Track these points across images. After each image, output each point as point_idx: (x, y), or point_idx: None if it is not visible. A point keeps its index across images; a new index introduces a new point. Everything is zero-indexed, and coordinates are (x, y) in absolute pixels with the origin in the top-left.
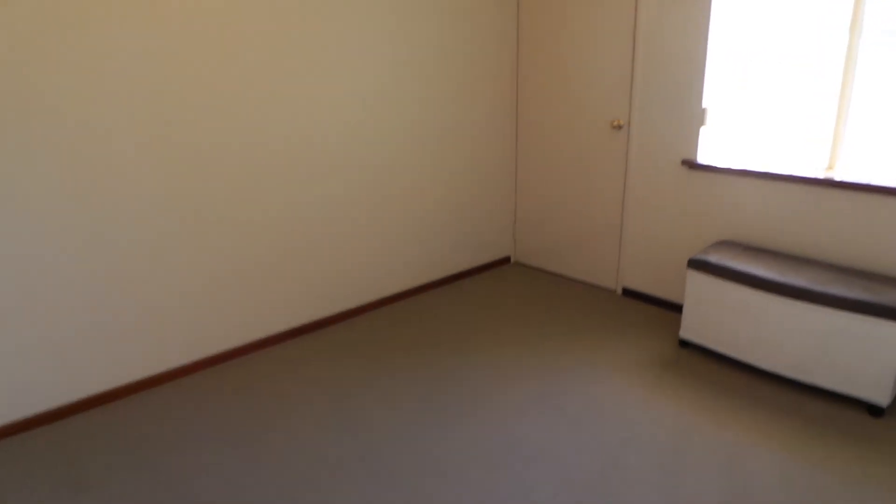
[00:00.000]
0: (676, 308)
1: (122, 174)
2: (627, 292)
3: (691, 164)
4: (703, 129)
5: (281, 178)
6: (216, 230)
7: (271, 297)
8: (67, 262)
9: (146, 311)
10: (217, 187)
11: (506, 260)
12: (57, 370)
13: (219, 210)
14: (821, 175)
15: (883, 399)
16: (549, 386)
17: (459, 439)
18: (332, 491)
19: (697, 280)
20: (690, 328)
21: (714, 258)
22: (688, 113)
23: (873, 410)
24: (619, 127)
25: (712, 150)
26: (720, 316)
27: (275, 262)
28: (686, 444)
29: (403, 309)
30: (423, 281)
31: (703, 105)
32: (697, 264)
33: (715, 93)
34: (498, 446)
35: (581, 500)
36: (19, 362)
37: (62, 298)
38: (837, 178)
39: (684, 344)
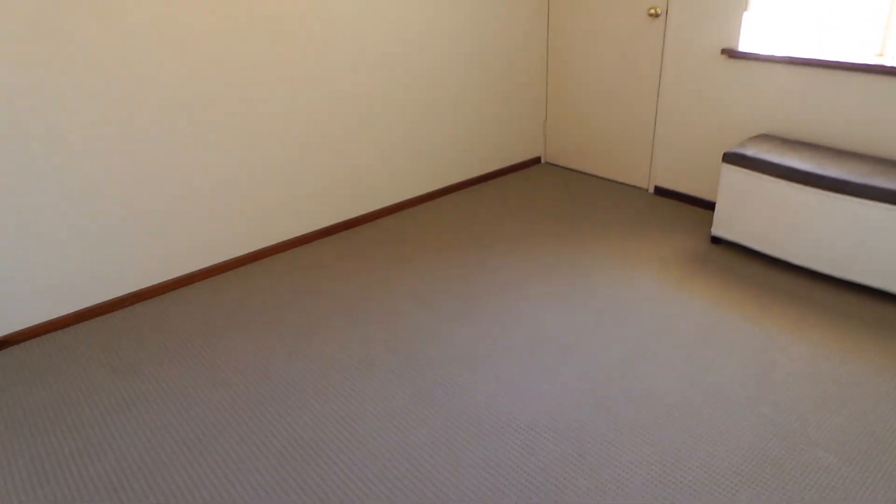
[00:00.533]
0: (710, 206)
1: (151, 70)
2: (660, 191)
3: (732, 53)
4: (745, 15)
5: (310, 71)
6: (244, 131)
7: (302, 198)
8: (99, 160)
9: (180, 208)
10: (242, 84)
11: (536, 160)
12: (93, 267)
13: (249, 108)
14: (871, 61)
15: None
16: (578, 281)
17: (487, 331)
18: (364, 380)
19: (732, 174)
20: (723, 224)
21: (751, 151)
22: None
23: None
24: (657, 15)
25: (755, 37)
26: (754, 211)
27: (306, 163)
28: (714, 335)
29: (433, 208)
30: (452, 181)
31: None
32: (733, 158)
33: None
34: (525, 337)
35: (605, 385)
36: (67, 259)
37: (98, 198)
38: (889, 64)
39: (716, 241)
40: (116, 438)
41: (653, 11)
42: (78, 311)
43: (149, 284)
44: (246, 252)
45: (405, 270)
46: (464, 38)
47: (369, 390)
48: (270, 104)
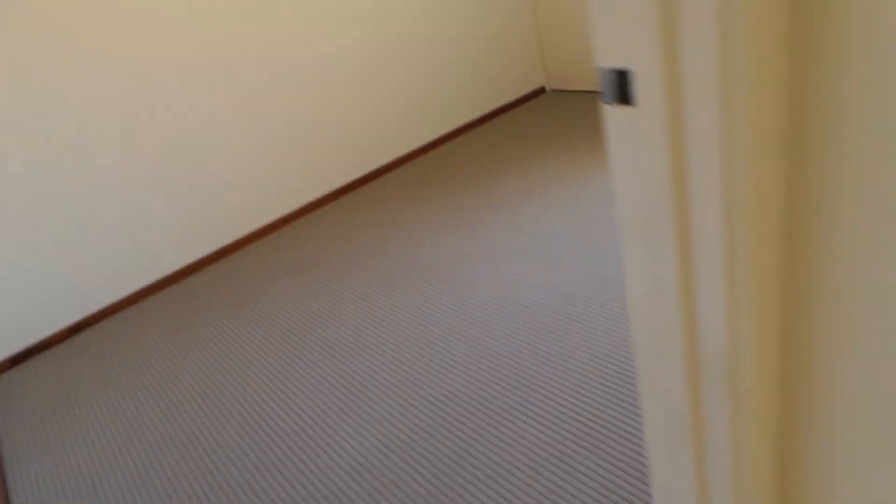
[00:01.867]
0: None
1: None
2: None
3: None
4: None
5: (301, 31)
6: (249, 99)
7: (317, 162)
8: (107, 156)
9: (194, 192)
10: (240, 48)
11: (540, 90)
12: (88, 277)
13: (252, 74)
14: None
15: None
16: (581, 186)
17: (492, 241)
18: (387, 296)
19: None
20: None
21: None
22: None
23: None
24: None
25: None
26: None
27: (316, 126)
28: None
29: (444, 152)
30: (460, 124)
31: None
32: None
33: None
34: (530, 238)
35: (608, 258)
36: (82, 266)
37: (95, 205)
38: None
39: None
40: (173, 378)
41: None
42: (109, 304)
43: (148, 282)
44: (260, 225)
45: (414, 209)
46: None
47: (386, 304)
48: (257, 73)
